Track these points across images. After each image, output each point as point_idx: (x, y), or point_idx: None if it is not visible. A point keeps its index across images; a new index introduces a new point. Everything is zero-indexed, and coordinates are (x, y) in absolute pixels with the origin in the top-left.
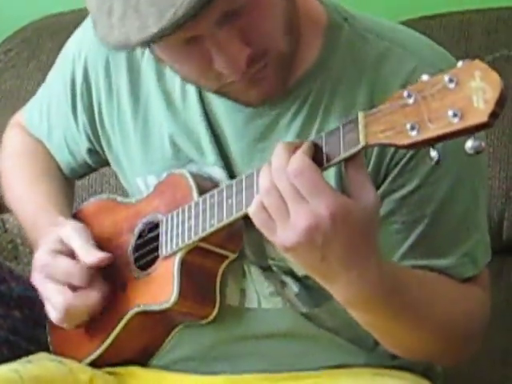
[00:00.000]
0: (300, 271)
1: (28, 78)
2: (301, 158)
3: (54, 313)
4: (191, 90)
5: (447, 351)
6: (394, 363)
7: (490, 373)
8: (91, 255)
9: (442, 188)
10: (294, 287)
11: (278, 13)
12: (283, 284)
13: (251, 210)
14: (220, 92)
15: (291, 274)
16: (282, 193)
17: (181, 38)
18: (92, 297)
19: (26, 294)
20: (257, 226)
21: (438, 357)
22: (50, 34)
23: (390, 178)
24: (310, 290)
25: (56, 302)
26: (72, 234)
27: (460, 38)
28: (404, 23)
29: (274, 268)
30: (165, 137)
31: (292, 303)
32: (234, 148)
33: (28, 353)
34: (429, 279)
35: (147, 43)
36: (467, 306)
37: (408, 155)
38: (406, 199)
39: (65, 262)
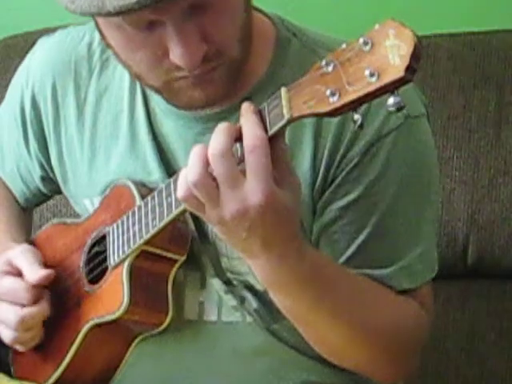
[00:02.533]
0: (259, 286)
1: None
2: (260, 132)
3: (6, 332)
4: (139, 110)
5: (373, 360)
6: (356, 382)
7: None
8: (35, 273)
9: (384, 200)
10: (253, 303)
11: (237, 20)
12: (243, 299)
13: (180, 196)
14: (164, 88)
15: (250, 288)
16: (218, 176)
17: (144, 20)
18: (40, 310)
19: None
20: (188, 208)
21: (365, 365)
22: (19, 52)
23: (333, 186)
24: (269, 306)
25: (7, 319)
26: (19, 255)
27: (426, 61)
28: None
29: (235, 282)
30: (110, 159)
31: (253, 318)
32: (184, 165)
33: None
34: (361, 281)
35: (121, 13)
36: (398, 316)
37: (352, 164)
38: (347, 209)
39: (10, 281)
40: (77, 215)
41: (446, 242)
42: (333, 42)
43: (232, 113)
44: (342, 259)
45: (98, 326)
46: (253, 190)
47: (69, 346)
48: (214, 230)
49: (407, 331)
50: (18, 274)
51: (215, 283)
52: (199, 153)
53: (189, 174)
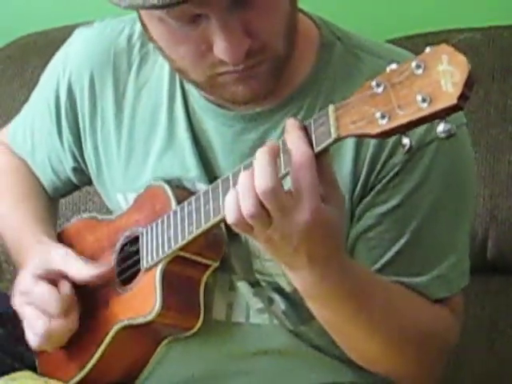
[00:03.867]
0: (288, 288)
1: (13, 96)
2: (306, 149)
3: (32, 337)
4: (178, 106)
5: (404, 367)
6: (382, 382)
7: None
8: (92, 268)
9: (423, 208)
10: (281, 304)
11: (282, 14)
12: (271, 300)
13: (232, 223)
14: (207, 84)
15: (279, 290)
16: (271, 209)
17: (188, 14)
18: (69, 325)
19: (8, 311)
20: (236, 231)
21: (395, 371)
22: (35, 52)
23: (373, 192)
24: (297, 307)
25: (35, 327)
26: (61, 261)
27: None
28: (390, 41)
29: (263, 283)
30: (148, 154)
31: (280, 320)
32: (223, 163)
33: (12, 369)
34: (396, 291)
35: (166, 6)
36: (430, 325)
37: (393, 172)
38: (386, 216)
39: (44, 289)
40: (98, 212)
41: None
42: (376, 46)
43: (273, 114)
44: (378, 266)
45: (128, 327)
46: (300, 207)
47: (96, 347)
48: None
49: (439, 340)
50: (53, 279)
51: (242, 286)
52: (249, 184)
53: (243, 206)
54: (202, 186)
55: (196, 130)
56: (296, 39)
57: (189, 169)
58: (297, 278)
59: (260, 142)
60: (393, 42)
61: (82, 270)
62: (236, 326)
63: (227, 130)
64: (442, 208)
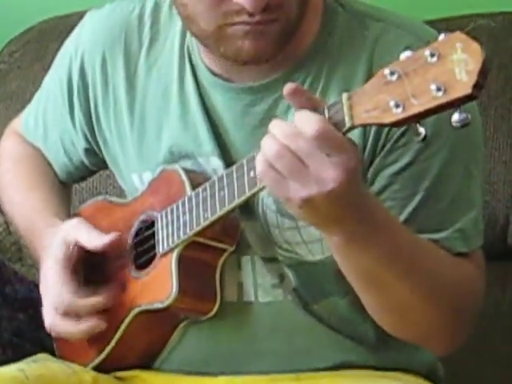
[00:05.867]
0: (309, 255)
1: (33, 80)
2: (321, 119)
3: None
4: (189, 82)
5: (437, 323)
6: (396, 364)
7: (494, 377)
8: (100, 239)
9: (435, 165)
10: (292, 281)
11: None
12: (282, 277)
13: (259, 172)
14: (215, 34)
15: (294, 265)
16: (299, 152)
17: None
18: (69, 328)
19: (30, 296)
20: (267, 185)
21: (427, 332)
22: (56, 36)
23: (382, 153)
24: (309, 285)
25: (45, 318)
26: (75, 227)
27: None
28: None
29: (280, 258)
30: (161, 131)
31: (291, 297)
32: (235, 137)
33: (32, 355)
34: (422, 239)
35: None
36: (456, 274)
37: (400, 131)
38: (398, 175)
39: (63, 290)
40: (118, 196)
41: (485, 222)
42: (380, 12)
43: (280, 83)
44: None
45: (145, 312)
46: (348, 157)
47: (114, 331)
48: (267, 202)
49: (467, 291)
50: (76, 258)
51: (258, 262)
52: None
53: (266, 149)
54: (215, 161)
55: (207, 104)
56: (307, 7)
57: (202, 143)
58: (347, 228)
59: (269, 114)
60: None
61: (92, 237)
62: (247, 305)
63: (236, 104)
64: (454, 163)
